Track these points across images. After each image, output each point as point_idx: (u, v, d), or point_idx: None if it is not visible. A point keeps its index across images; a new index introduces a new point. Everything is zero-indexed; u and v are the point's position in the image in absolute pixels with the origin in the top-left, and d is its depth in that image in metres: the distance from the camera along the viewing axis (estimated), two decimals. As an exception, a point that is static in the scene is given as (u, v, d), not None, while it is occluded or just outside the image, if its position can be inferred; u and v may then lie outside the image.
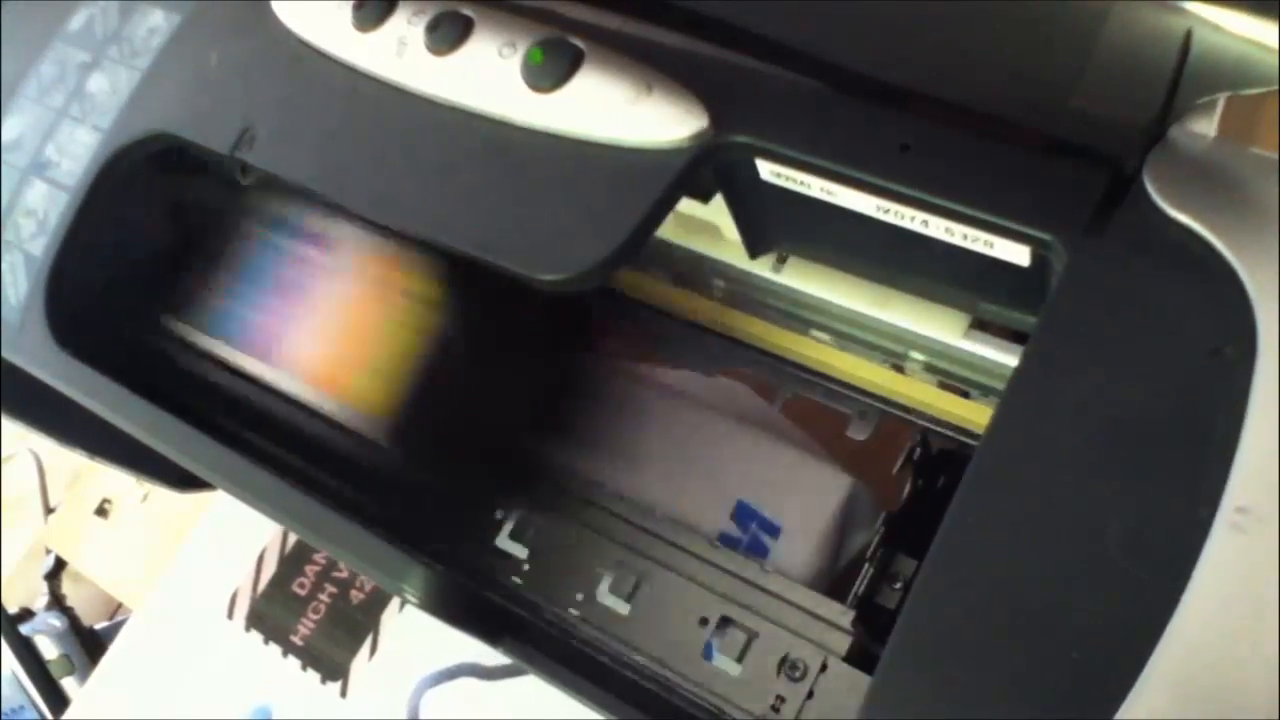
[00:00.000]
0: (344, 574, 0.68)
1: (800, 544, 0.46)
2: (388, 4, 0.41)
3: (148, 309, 0.51)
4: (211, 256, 0.47)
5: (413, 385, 0.44)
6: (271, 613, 0.68)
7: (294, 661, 0.66)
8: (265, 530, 0.70)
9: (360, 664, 0.65)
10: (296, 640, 0.67)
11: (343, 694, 0.65)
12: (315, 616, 0.67)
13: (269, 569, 0.69)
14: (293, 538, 0.70)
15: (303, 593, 0.68)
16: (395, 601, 0.66)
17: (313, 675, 0.65)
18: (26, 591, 0.95)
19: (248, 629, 0.68)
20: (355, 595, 0.67)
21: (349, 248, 0.45)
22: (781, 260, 0.46)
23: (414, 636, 0.64)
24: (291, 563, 0.69)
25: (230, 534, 0.71)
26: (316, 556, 0.69)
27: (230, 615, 0.69)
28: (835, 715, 0.41)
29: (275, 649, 0.67)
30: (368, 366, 0.42)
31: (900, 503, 0.47)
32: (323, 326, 0.42)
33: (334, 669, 0.65)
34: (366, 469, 0.45)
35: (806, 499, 0.47)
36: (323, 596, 0.67)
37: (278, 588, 0.69)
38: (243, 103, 0.43)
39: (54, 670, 0.87)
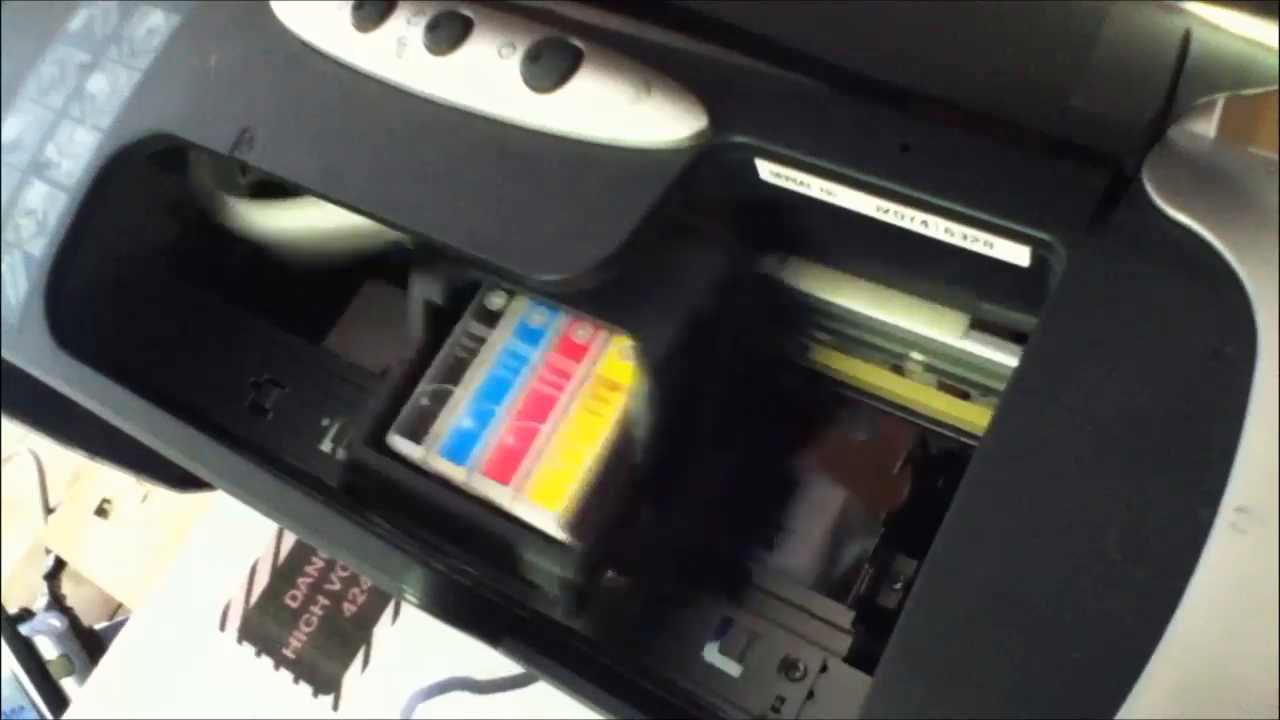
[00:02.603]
0: (336, 586, 0.68)
1: (793, 559, 0.46)
2: (387, 4, 0.41)
3: (147, 309, 0.51)
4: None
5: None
6: (264, 625, 0.68)
7: (286, 674, 0.66)
8: (257, 541, 0.70)
9: (352, 677, 0.65)
10: (288, 653, 0.67)
11: (335, 707, 0.64)
12: (307, 629, 0.67)
13: (261, 581, 0.69)
14: (285, 549, 0.70)
15: (295, 605, 0.68)
16: (388, 614, 0.66)
17: (304, 688, 0.65)
18: (26, 591, 0.95)
19: (240, 641, 0.68)
20: (347, 608, 0.67)
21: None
22: (781, 260, 0.46)
23: (406, 650, 0.64)
24: (283, 575, 0.69)
25: (222, 545, 0.71)
26: (308, 569, 0.68)
27: (223, 627, 0.69)
28: (835, 715, 0.41)
29: (267, 661, 0.67)
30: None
31: (900, 503, 0.47)
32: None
33: (326, 682, 0.65)
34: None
35: (799, 514, 0.47)
36: (315, 609, 0.67)
37: (270, 600, 0.68)
38: (242, 103, 0.43)
39: (54, 670, 0.87)
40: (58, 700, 0.85)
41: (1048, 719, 0.27)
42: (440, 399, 0.43)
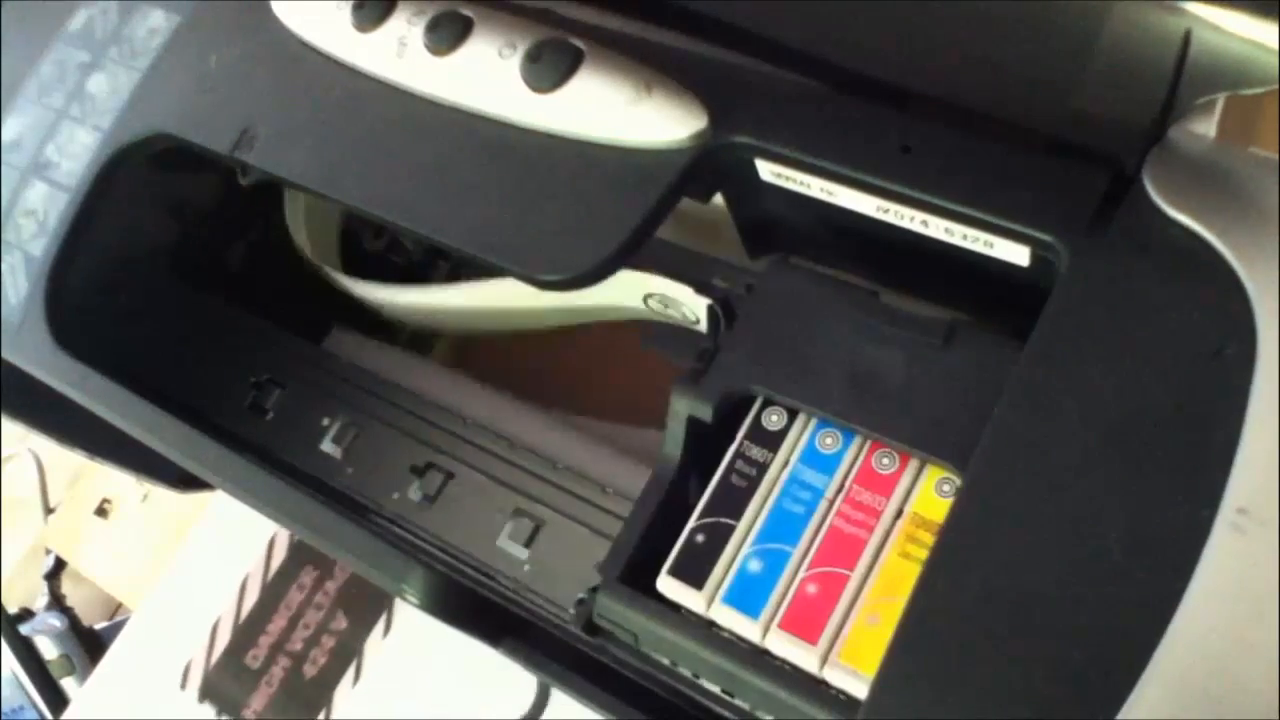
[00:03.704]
0: (297, 647, 0.66)
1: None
2: (387, 4, 0.41)
3: (147, 309, 0.51)
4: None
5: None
6: (224, 685, 0.67)
7: (247, 736, 0.65)
8: (220, 597, 0.69)
9: (314, 741, 0.64)
10: (249, 714, 0.65)
11: (295, 770, 0.64)
12: (268, 690, 0.66)
13: (223, 638, 0.68)
14: (247, 605, 0.69)
15: (255, 665, 0.67)
16: (348, 676, 0.65)
17: (266, 751, 0.64)
18: (26, 591, 0.95)
19: (200, 700, 0.67)
20: (308, 670, 0.65)
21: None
22: (781, 259, 0.46)
23: (367, 712, 0.63)
24: (245, 632, 0.68)
25: (186, 598, 0.70)
26: (269, 628, 0.68)
27: (183, 686, 0.67)
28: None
29: (228, 722, 0.66)
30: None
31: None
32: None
33: (287, 744, 0.64)
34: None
35: None
36: (275, 669, 0.66)
37: (231, 658, 0.67)
38: (243, 103, 0.43)
39: (54, 670, 0.87)
40: (58, 700, 0.85)
41: (1048, 719, 0.27)
42: (717, 535, 0.37)
